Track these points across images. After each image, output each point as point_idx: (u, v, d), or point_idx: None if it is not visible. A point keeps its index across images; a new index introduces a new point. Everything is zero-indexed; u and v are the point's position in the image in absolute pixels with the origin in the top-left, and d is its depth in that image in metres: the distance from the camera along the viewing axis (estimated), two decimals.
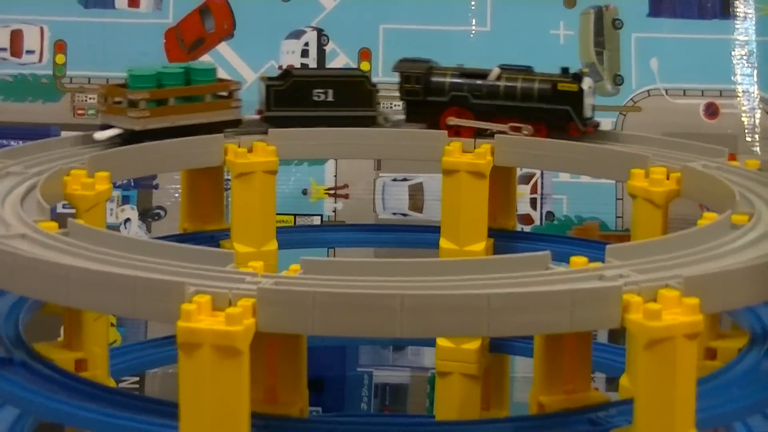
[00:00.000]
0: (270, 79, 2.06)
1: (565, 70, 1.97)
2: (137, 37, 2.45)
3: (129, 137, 1.92)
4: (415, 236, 2.16)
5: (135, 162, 1.92)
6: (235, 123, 2.02)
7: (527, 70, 2.00)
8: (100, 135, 1.92)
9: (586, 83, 1.96)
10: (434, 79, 2.02)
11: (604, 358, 1.97)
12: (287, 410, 1.50)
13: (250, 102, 2.42)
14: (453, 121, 1.99)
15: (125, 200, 2.44)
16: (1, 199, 1.63)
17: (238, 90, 2.02)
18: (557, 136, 1.96)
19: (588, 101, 1.96)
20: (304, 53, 2.45)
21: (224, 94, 2.01)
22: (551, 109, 1.95)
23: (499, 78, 1.99)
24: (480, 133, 1.99)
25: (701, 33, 2.46)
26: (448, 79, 2.02)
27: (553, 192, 2.44)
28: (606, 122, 2.41)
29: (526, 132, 1.95)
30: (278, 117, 2.04)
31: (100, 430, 1.57)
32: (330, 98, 2.05)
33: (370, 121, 2.05)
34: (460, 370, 1.98)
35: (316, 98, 2.04)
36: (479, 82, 2.00)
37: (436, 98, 2.01)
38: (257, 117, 2.05)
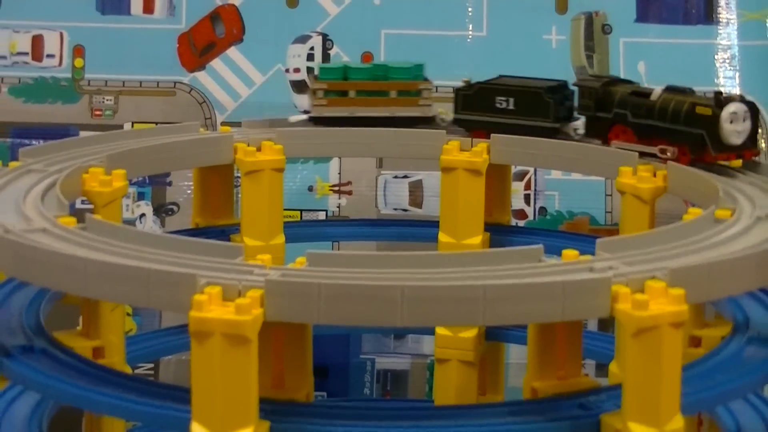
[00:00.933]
0: (466, 83, 2.05)
1: (718, 94, 1.83)
2: (151, 41, 2.44)
3: (313, 122, 2.04)
4: (415, 230, 2.16)
5: (150, 160, 1.92)
6: (425, 120, 2.04)
7: (687, 92, 1.87)
8: (294, 118, 2.07)
9: (730, 108, 1.80)
10: (604, 95, 1.93)
11: (594, 345, 1.97)
12: (294, 395, 1.50)
13: (258, 102, 2.43)
14: (615, 143, 1.91)
15: (140, 196, 2.44)
16: (22, 195, 1.63)
17: (429, 90, 2.04)
18: (698, 159, 1.83)
19: (729, 127, 1.79)
20: (310, 57, 2.45)
21: (414, 90, 2.04)
22: (689, 132, 1.82)
23: (659, 97, 1.87)
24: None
25: (686, 38, 2.46)
26: (617, 96, 1.92)
27: (545, 188, 2.44)
28: None
29: (669, 155, 1.83)
30: (465, 120, 2.03)
31: (116, 414, 1.58)
32: (511, 106, 1.99)
33: (551, 133, 1.97)
34: (458, 357, 1.98)
35: (498, 105, 2.00)
36: (640, 100, 1.89)
37: (604, 114, 1.93)
38: (451, 117, 2.06)
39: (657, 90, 1.87)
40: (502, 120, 1.99)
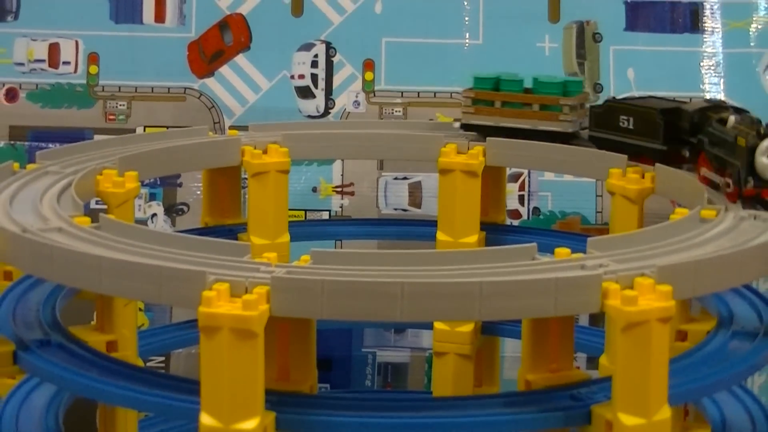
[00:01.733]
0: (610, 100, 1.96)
1: None
2: (163, 49, 2.44)
3: (463, 129, 2.01)
4: (415, 229, 2.16)
5: (161, 162, 1.92)
6: (566, 136, 1.95)
7: (755, 122, 1.67)
8: (456, 124, 2.04)
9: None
10: (699, 120, 1.77)
11: (585, 339, 1.97)
12: (298, 387, 1.50)
13: (264, 106, 2.43)
14: (704, 172, 1.74)
15: (152, 197, 2.44)
16: (39, 195, 1.63)
17: (571, 106, 1.95)
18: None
19: (766, 161, 1.62)
20: (314, 64, 2.45)
21: (555, 105, 1.95)
22: (731, 163, 1.66)
23: (731, 126, 1.69)
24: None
25: (673, 46, 2.46)
26: (705, 122, 1.74)
27: (539, 189, 2.43)
28: None
29: (723, 186, 1.67)
30: (596, 138, 1.92)
31: (129, 405, 1.58)
32: (630, 126, 1.85)
33: (661, 156, 1.82)
34: (455, 351, 1.98)
35: (621, 124, 1.87)
36: (717, 128, 1.72)
37: (693, 140, 1.77)
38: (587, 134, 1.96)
39: (732, 119, 1.70)
40: (622, 139, 1.87)
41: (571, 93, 1.98)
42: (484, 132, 1.99)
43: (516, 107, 1.99)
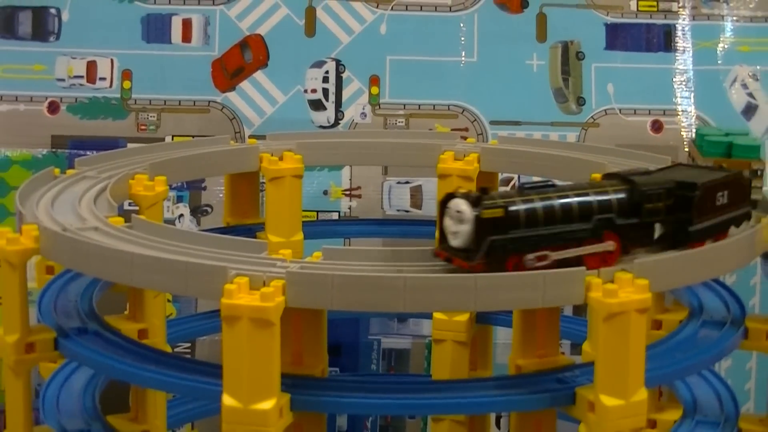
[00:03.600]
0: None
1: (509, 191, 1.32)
2: (189, 66, 2.44)
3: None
4: (416, 229, 2.15)
5: (187, 168, 1.91)
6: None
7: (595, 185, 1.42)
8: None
9: (451, 203, 1.32)
10: None
11: (570, 328, 1.96)
12: (311, 371, 1.49)
13: (280, 118, 2.42)
14: None
15: (179, 199, 2.44)
16: (78, 198, 1.63)
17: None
18: None
19: (446, 222, 1.33)
20: (325, 79, 2.44)
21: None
22: None
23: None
24: None
25: (648, 63, 2.45)
26: None
27: None
28: (571, 136, 2.40)
29: None
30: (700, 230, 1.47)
31: (158, 387, 1.57)
32: (726, 200, 1.48)
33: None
34: (453, 338, 1.97)
35: (718, 203, 1.47)
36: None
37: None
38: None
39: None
40: (722, 218, 1.51)
41: (734, 156, 1.66)
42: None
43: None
